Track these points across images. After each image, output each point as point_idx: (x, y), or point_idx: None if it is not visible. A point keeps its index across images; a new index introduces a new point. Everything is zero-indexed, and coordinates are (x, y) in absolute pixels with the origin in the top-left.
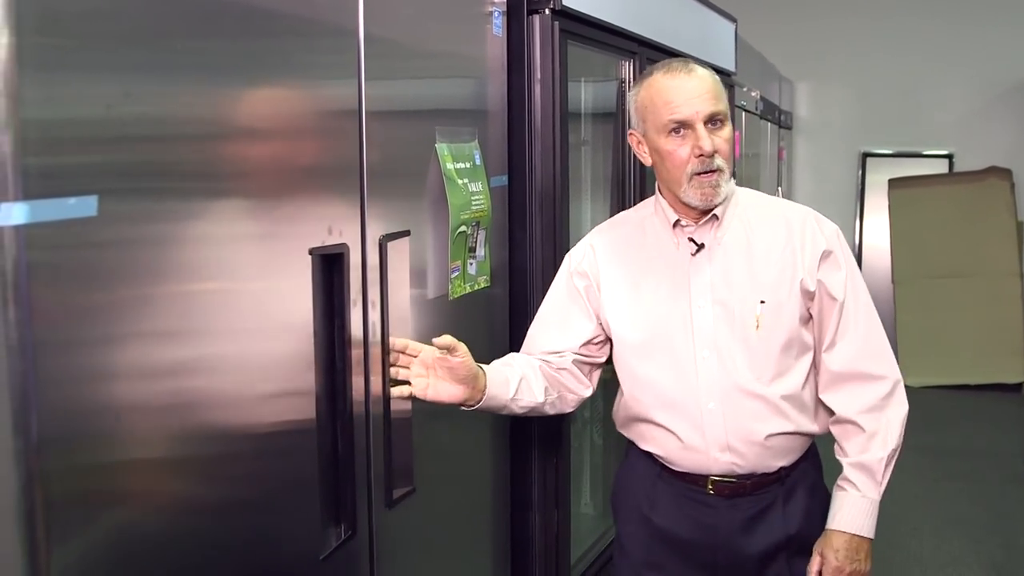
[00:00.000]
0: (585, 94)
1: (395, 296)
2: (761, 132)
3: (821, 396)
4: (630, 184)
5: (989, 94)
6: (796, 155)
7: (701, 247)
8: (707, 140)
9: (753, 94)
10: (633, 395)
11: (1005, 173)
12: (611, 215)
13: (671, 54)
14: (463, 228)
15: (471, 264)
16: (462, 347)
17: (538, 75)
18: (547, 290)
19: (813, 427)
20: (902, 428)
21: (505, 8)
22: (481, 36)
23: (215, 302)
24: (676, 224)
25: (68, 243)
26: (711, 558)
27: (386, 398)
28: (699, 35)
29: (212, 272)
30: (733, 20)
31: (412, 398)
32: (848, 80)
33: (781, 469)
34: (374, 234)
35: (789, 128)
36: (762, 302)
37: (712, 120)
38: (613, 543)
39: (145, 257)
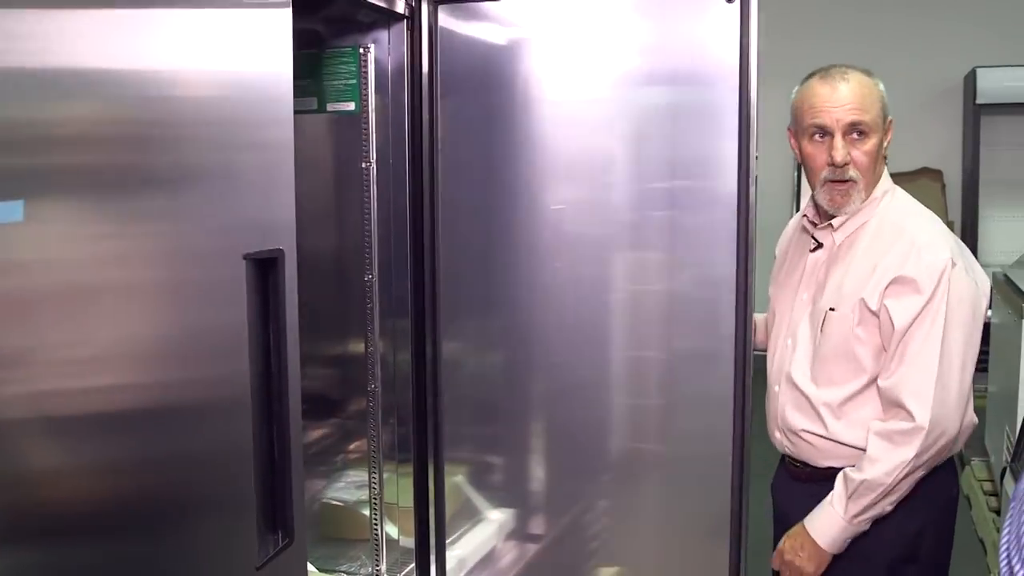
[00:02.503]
0: None
1: None
2: None
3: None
4: None
5: (920, 97)
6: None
7: (820, 245)
8: (840, 151)
9: None
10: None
11: (936, 174)
12: None
13: None
14: None
15: None
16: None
17: None
18: None
19: (859, 443)
20: (897, 473)
21: None
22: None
23: (147, 308)
24: (805, 217)
25: None
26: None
27: None
28: None
29: (144, 277)
30: None
31: None
32: (782, 82)
33: (830, 469)
34: None
35: None
36: (831, 309)
37: (853, 130)
38: None
39: (73, 262)
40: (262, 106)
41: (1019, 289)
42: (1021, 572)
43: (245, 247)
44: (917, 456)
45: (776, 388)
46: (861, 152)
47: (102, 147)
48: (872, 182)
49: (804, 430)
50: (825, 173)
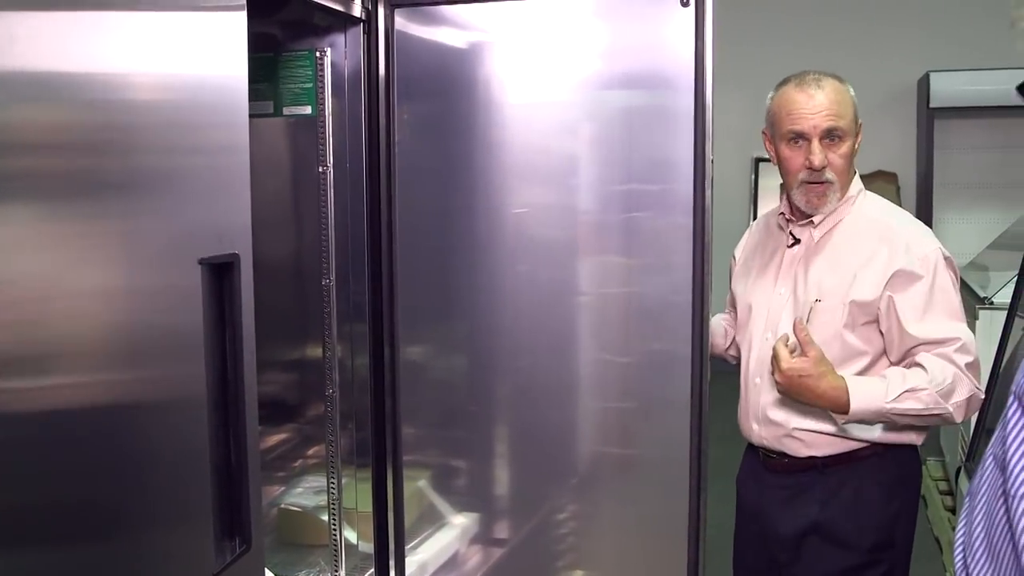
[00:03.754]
0: None
1: None
2: None
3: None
4: None
5: (875, 100)
6: None
7: (797, 241)
8: (819, 155)
9: None
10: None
11: (891, 177)
12: None
13: None
14: None
15: None
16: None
17: None
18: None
19: (863, 434)
20: (951, 405)
21: None
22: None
23: (101, 313)
24: (781, 215)
25: None
26: (760, 529)
27: None
28: None
29: (98, 282)
30: None
31: None
32: (740, 85)
33: (813, 458)
34: None
35: None
36: (817, 300)
37: (830, 135)
38: None
39: (26, 267)
40: (217, 110)
41: (973, 291)
42: (975, 570)
43: (200, 252)
44: (967, 403)
45: (757, 380)
46: (837, 155)
47: (54, 151)
48: (847, 183)
49: (806, 429)
50: (802, 175)
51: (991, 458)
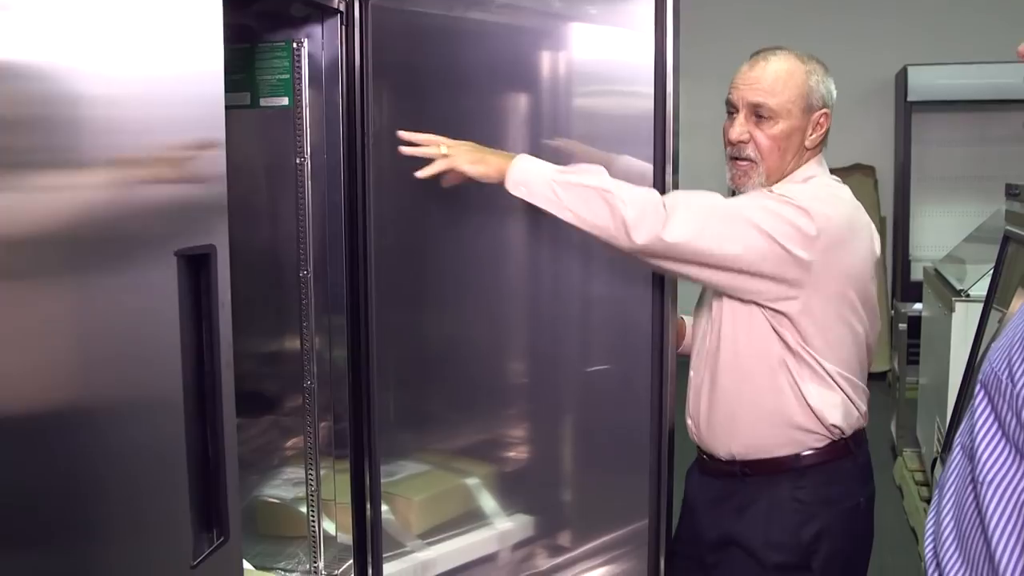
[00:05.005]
0: None
1: None
2: None
3: None
4: None
5: (853, 94)
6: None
7: None
8: (736, 129)
9: None
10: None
11: (869, 170)
12: None
13: None
14: None
15: None
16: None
17: None
18: None
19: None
20: (609, 212)
21: None
22: None
23: (74, 304)
24: None
25: None
26: (693, 526)
27: None
28: None
29: (73, 274)
30: None
31: None
32: (719, 79)
33: (732, 462)
34: None
35: None
36: None
37: (755, 111)
38: None
39: None
40: (193, 101)
41: (949, 283)
42: (945, 560)
43: (176, 243)
44: (637, 241)
45: (691, 374)
46: (764, 134)
47: (24, 142)
48: (775, 168)
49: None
50: (728, 150)
51: (959, 448)
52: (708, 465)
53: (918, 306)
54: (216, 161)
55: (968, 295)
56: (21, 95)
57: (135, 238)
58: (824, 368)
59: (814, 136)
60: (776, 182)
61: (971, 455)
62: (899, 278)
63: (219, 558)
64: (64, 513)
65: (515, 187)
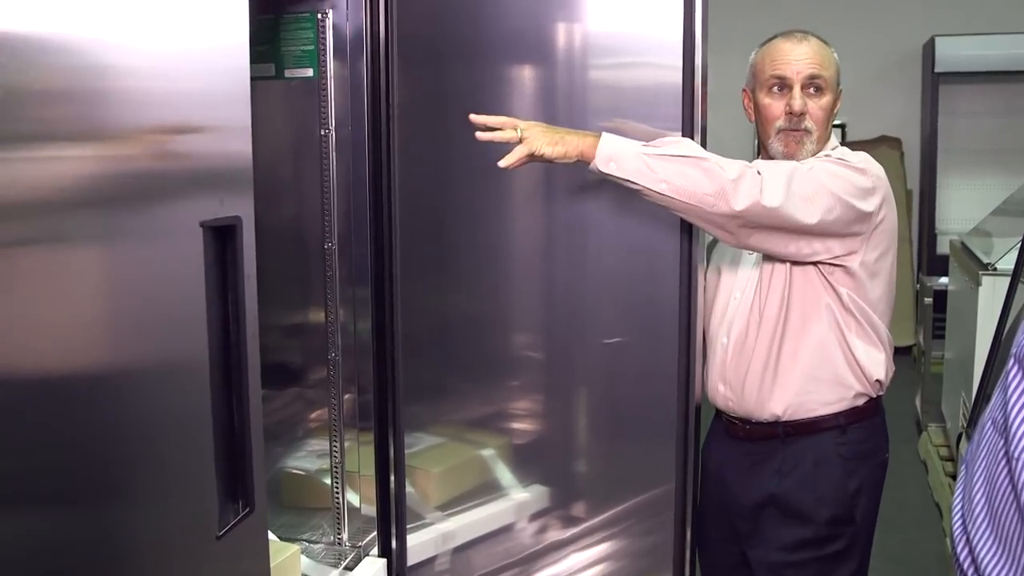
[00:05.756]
0: None
1: None
2: None
3: None
4: None
5: (879, 65)
6: None
7: None
8: (799, 100)
9: None
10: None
11: (895, 142)
12: None
13: None
14: None
15: None
16: None
17: None
18: None
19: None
20: (702, 189)
21: None
22: None
23: (102, 276)
24: None
25: None
26: (721, 497)
27: None
28: None
29: (98, 245)
30: None
31: None
32: (743, 51)
33: (774, 424)
34: None
35: None
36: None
37: (811, 84)
38: None
39: (25, 231)
40: (218, 72)
41: (976, 257)
42: (976, 537)
43: (202, 215)
44: (736, 207)
45: (724, 341)
46: (817, 106)
47: (52, 116)
48: (822, 138)
49: (755, 384)
50: (780, 123)
51: (990, 422)
52: (741, 429)
53: (944, 280)
54: (241, 133)
55: (995, 269)
56: (50, 68)
57: (162, 209)
58: (870, 323)
59: (837, 110)
60: (820, 151)
61: (1004, 430)
62: (925, 251)
63: (244, 529)
64: (91, 482)
65: (605, 163)
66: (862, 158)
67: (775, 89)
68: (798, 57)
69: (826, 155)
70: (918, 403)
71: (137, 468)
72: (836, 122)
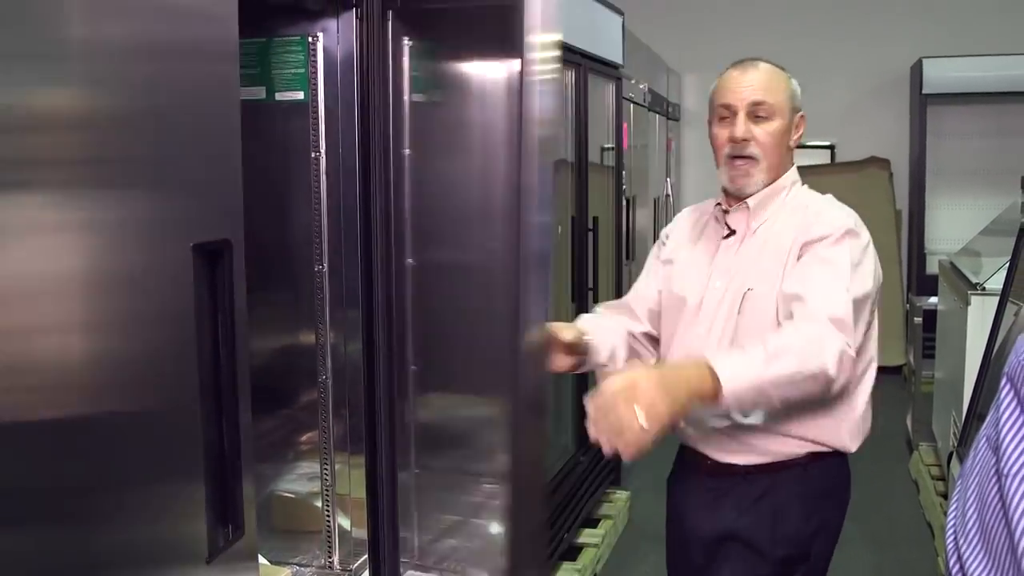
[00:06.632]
0: None
1: None
2: (649, 124)
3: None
4: None
5: (868, 87)
6: (684, 146)
7: (732, 232)
8: (741, 127)
9: (641, 86)
10: (664, 358)
11: (884, 163)
12: None
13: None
14: None
15: None
16: (583, 340)
17: None
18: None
19: (784, 437)
20: (817, 367)
21: None
22: None
23: (92, 297)
24: (718, 206)
25: None
26: (682, 531)
27: None
28: (587, 28)
29: (88, 267)
30: (620, 13)
31: None
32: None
33: (734, 466)
34: None
35: (677, 120)
36: (749, 289)
37: (756, 110)
38: None
39: (16, 252)
40: (209, 95)
41: (964, 276)
42: (967, 552)
43: (193, 237)
44: (838, 359)
45: None
46: (764, 132)
47: (45, 138)
48: (775, 165)
49: (717, 428)
50: (727, 149)
51: (984, 440)
52: (702, 463)
53: (933, 299)
54: (232, 155)
55: (984, 288)
56: (37, 96)
57: (152, 232)
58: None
59: (796, 137)
60: (775, 179)
61: (996, 447)
62: (914, 271)
63: (234, 553)
64: (81, 506)
65: (727, 403)
66: (845, 216)
67: (723, 118)
68: (743, 84)
69: (807, 217)
70: (909, 422)
71: (126, 492)
72: (825, 143)
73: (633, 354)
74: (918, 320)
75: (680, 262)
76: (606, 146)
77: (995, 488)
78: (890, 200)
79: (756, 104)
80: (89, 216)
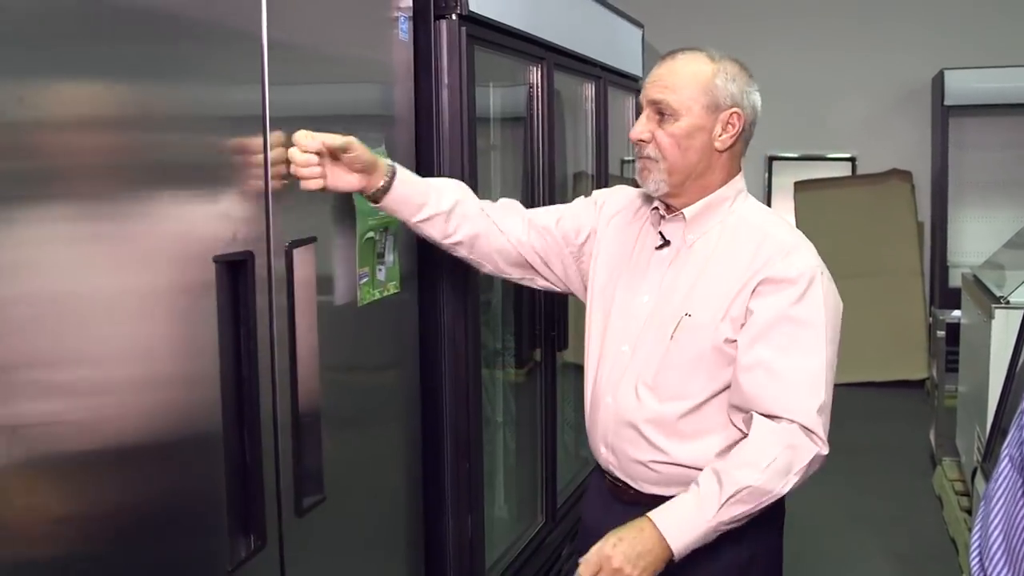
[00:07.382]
0: (494, 99)
1: (302, 303)
2: None
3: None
4: (540, 188)
5: (890, 99)
6: None
7: (667, 243)
8: (637, 127)
9: None
10: (586, 361)
11: (906, 175)
12: None
13: (578, 59)
14: (371, 234)
15: (380, 270)
16: (354, 145)
17: (445, 80)
18: (455, 295)
19: (697, 463)
20: (785, 483)
21: (411, 13)
22: (387, 41)
23: (115, 310)
24: (655, 210)
25: None
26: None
27: (294, 406)
28: (607, 40)
29: (111, 280)
30: (640, 26)
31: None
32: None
33: (655, 497)
34: (279, 241)
35: None
36: (687, 315)
37: (656, 109)
38: None
39: (40, 266)
40: (233, 109)
41: (988, 290)
42: (992, 571)
43: (215, 249)
44: (806, 469)
45: (608, 400)
46: (664, 132)
47: (69, 151)
48: (681, 168)
49: (640, 461)
50: (633, 148)
51: (1007, 460)
52: (624, 493)
53: (956, 313)
54: (255, 168)
55: (1008, 301)
56: (61, 109)
57: (175, 244)
58: None
59: (724, 137)
60: (683, 182)
61: (1021, 467)
62: (937, 285)
63: (256, 564)
64: (101, 517)
65: (687, 550)
66: (805, 250)
67: (638, 113)
68: (651, 80)
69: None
70: (932, 437)
71: (147, 503)
72: (846, 155)
73: (485, 227)
74: (941, 333)
75: (610, 256)
76: (626, 159)
77: (1022, 509)
78: (912, 212)
79: (655, 102)
80: (112, 228)
